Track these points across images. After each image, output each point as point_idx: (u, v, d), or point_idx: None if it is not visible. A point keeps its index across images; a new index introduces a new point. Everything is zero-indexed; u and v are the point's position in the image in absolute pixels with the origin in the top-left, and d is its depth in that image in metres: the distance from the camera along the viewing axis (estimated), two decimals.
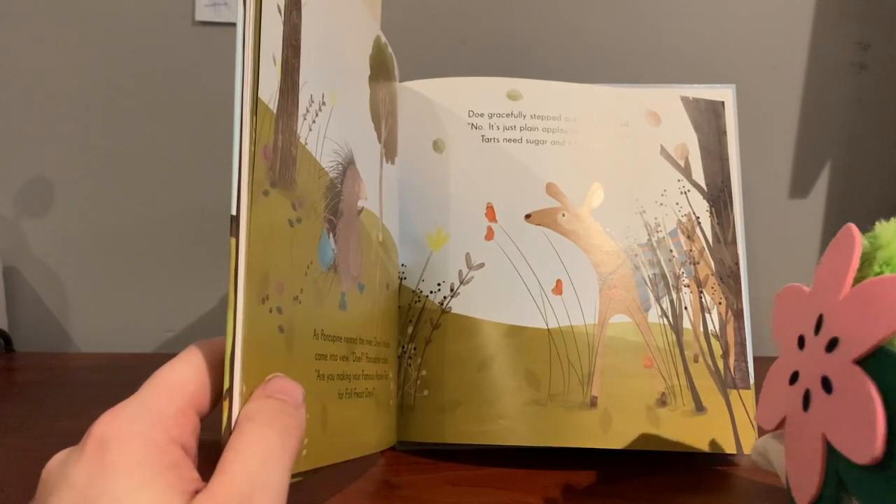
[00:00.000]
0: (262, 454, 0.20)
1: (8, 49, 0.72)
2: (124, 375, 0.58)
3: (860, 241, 0.22)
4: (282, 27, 0.26)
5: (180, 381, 0.22)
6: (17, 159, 0.73)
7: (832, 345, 0.20)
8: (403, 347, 0.40)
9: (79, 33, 0.72)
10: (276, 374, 0.24)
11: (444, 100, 0.42)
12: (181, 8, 0.72)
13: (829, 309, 0.21)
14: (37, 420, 0.45)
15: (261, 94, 0.24)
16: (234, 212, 0.22)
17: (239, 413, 0.21)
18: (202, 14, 0.72)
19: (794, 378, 0.23)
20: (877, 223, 0.23)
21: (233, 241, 0.22)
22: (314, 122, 0.29)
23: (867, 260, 0.22)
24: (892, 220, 0.23)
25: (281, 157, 0.25)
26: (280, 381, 0.23)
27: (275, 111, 0.25)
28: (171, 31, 0.72)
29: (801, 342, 0.23)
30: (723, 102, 0.45)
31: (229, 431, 0.21)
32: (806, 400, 0.21)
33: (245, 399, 0.22)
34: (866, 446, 0.18)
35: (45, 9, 0.72)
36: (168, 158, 0.73)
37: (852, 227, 0.22)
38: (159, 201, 0.73)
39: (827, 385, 0.20)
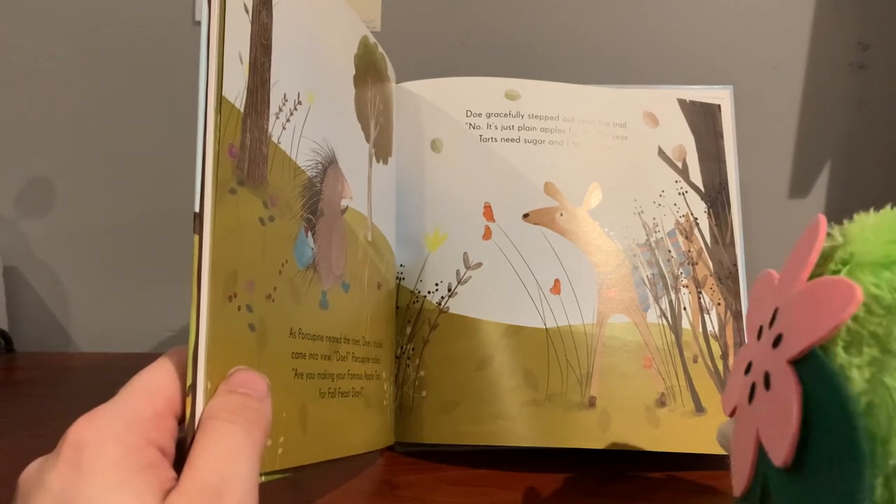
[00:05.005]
0: (229, 448, 0.21)
1: (8, 49, 0.72)
2: (124, 375, 0.57)
3: (823, 236, 0.20)
4: (249, 26, 0.26)
5: (157, 384, 0.22)
6: (17, 159, 0.73)
7: (777, 341, 0.20)
8: (402, 348, 0.40)
9: (79, 33, 0.72)
10: (238, 367, 0.24)
11: (442, 100, 0.42)
12: (181, 8, 0.72)
13: (783, 303, 0.20)
14: (37, 420, 0.45)
15: (226, 93, 0.24)
16: (196, 209, 0.22)
17: (203, 410, 0.22)
18: None
19: (748, 369, 0.22)
20: (855, 215, 0.21)
21: (196, 238, 0.22)
22: (288, 120, 0.29)
23: (829, 256, 0.20)
24: (872, 212, 0.21)
25: (249, 156, 0.26)
26: (242, 374, 0.23)
27: (241, 110, 0.25)
28: (171, 31, 0.72)
29: (760, 333, 0.22)
30: (719, 105, 0.45)
31: (193, 427, 0.21)
32: (752, 393, 0.21)
33: (210, 395, 0.22)
34: (780, 448, 0.18)
35: (45, 9, 0.72)
36: (167, 158, 0.73)
37: (821, 218, 0.21)
38: (159, 201, 0.73)
39: (767, 381, 0.20)
